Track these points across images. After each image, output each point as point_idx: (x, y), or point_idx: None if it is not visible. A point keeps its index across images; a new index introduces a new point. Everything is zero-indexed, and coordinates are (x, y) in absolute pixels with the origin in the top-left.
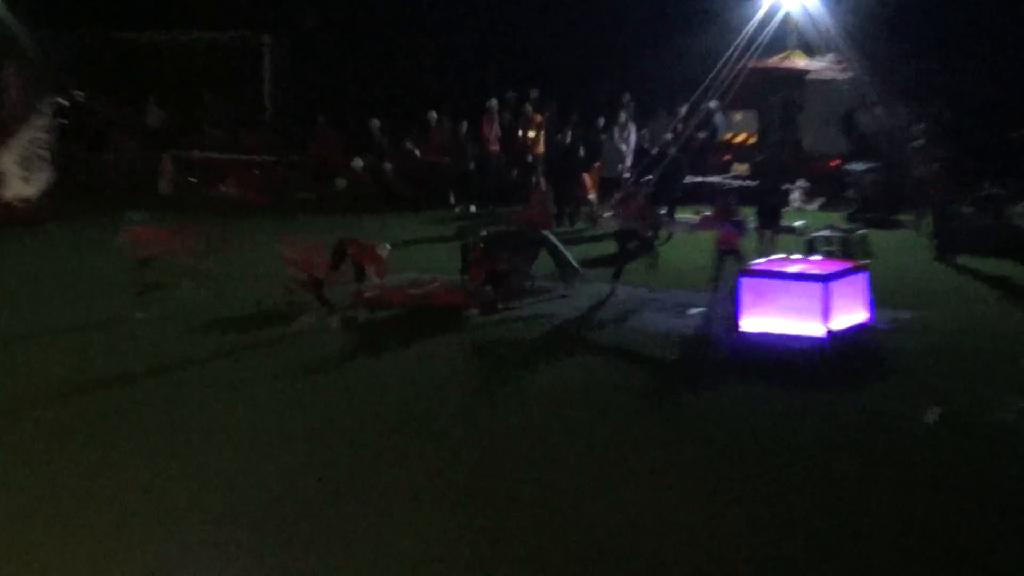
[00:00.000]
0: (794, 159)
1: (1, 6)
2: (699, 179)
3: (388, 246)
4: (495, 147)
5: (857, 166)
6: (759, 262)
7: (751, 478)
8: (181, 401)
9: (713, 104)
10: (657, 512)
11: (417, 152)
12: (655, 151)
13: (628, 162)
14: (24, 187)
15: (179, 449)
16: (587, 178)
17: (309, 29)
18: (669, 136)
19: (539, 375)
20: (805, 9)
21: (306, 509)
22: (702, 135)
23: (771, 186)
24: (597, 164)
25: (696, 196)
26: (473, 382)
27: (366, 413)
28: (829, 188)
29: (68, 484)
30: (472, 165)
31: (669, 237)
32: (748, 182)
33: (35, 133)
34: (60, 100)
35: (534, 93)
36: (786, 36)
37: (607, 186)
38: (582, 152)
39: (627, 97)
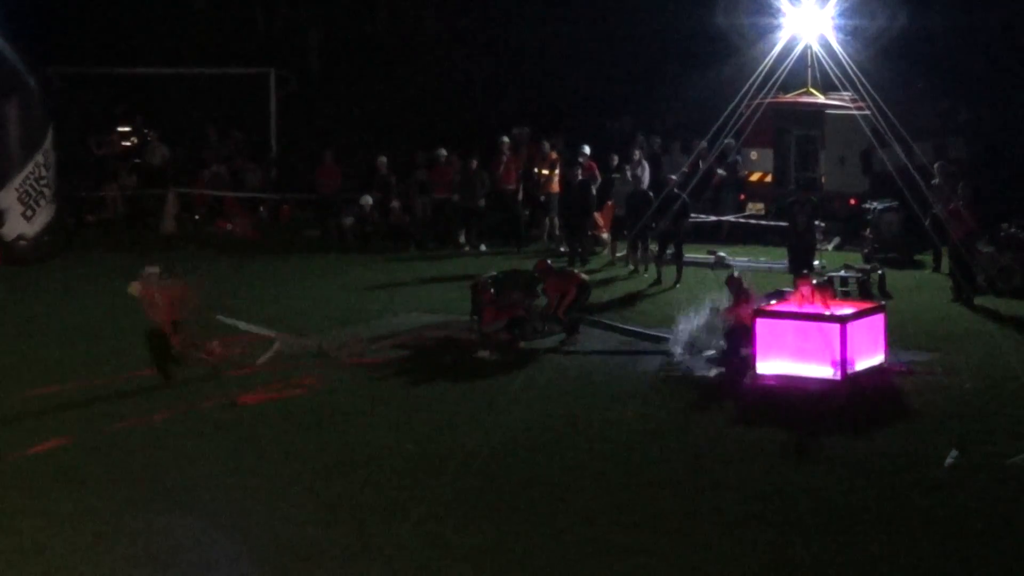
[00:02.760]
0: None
1: (2, 41)
2: (713, 218)
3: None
4: (511, 185)
5: (875, 205)
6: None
7: (767, 523)
8: (188, 442)
9: (731, 142)
10: (671, 561)
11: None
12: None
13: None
14: (25, 224)
15: (186, 490)
16: (599, 217)
17: (315, 64)
18: (673, 177)
19: (547, 417)
20: (823, 45)
21: (315, 552)
22: (721, 172)
23: (805, 227)
24: (610, 203)
25: (708, 235)
26: (486, 426)
27: (378, 456)
28: (846, 227)
29: (77, 525)
30: (483, 203)
31: (678, 280)
32: (763, 221)
33: (36, 170)
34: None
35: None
36: (804, 72)
37: (619, 225)
38: (594, 190)
39: (640, 136)
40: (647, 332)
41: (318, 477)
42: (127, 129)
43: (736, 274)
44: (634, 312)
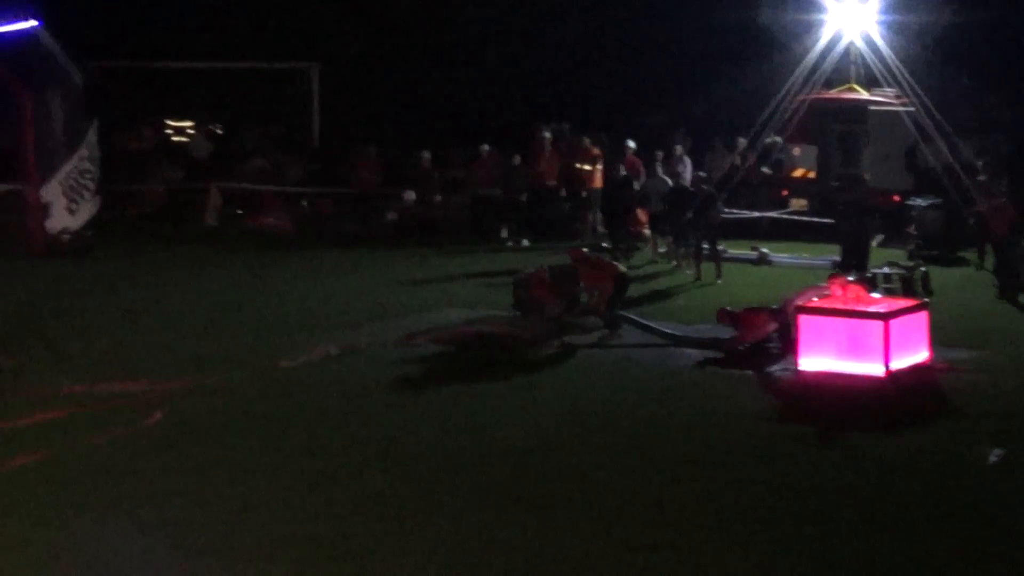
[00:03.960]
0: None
1: (47, 36)
2: (755, 214)
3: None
4: (552, 180)
5: (918, 202)
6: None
7: (805, 521)
8: (221, 435)
9: (776, 138)
10: (706, 559)
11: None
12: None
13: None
14: (69, 218)
15: (219, 483)
16: (641, 213)
17: (357, 59)
18: (702, 174)
19: (582, 412)
20: (867, 41)
21: (348, 547)
22: (765, 170)
23: (858, 226)
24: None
25: (746, 230)
26: (522, 420)
27: (414, 450)
28: (890, 224)
29: (106, 519)
30: (524, 198)
31: (718, 276)
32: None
33: (80, 164)
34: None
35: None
36: (847, 68)
37: (655, 221)
38: (637, 187)
39: (681, 131)
40: (663, 329)
41: (353, 471)
42: (174, 123)
43: (729, 308)
44: (673, 308)
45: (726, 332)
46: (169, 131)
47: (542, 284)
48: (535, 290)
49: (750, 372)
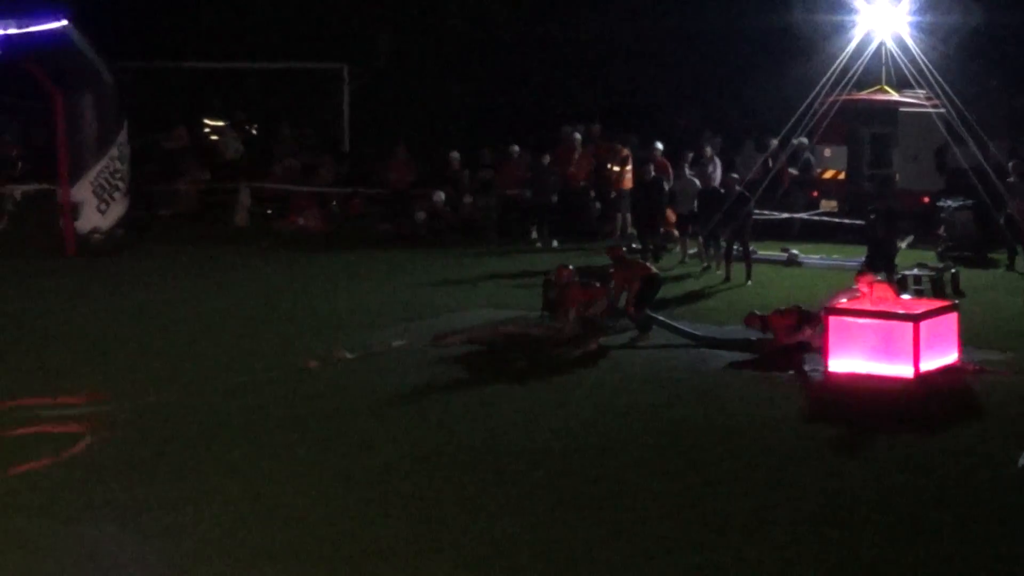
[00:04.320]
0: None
1: (78, 36)
2: (785, 215)
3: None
4: (582, 181)
5: (949, 203)
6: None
7: (834, 523)
8: (249, 435)
9: (802, 139)
10: (735, 559)
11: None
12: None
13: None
14: (99, 218)
15: (246, 483)
16: (671, 214)
17: (388, 59)
18: (735, 175)
19: (615, 413)
20: (898, 42)
21: (378, 547)
22: (793, 171)
23: (884, 237)
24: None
25: (777, 232)
26: (554, 422)
27: (447, 452)
28: (920, 225)
29: (139, 520)
30: (555, 199)
31: (748, 278)
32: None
33: (110, 163)
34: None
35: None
36: (878, 69)
37: (683, 222)
38: (667, 188)
39: (708, 132)
40: (691, 331)
41: (388, 472)
42: (210, 123)
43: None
44: (703, 309)
45: (755, 335)
46: (207, 130)
47: (571, 285)
48: (565, 291)
49: (780, 374)
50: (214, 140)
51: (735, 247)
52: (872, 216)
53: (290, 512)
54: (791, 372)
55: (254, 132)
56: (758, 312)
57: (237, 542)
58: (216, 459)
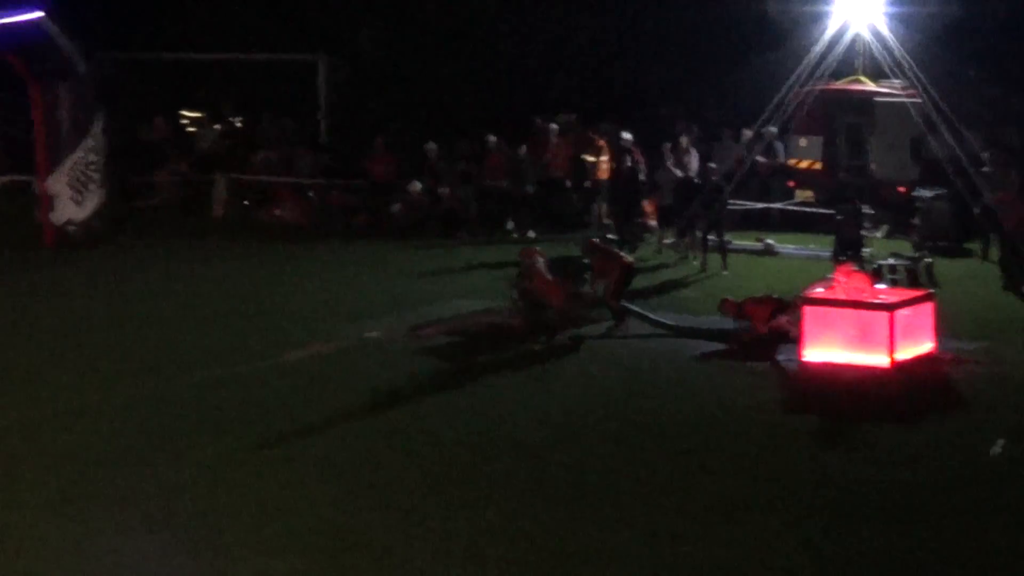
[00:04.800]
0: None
1: (53, 27)
2: (761, 205)
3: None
4: (560, 172)
5: (924, 193)
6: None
7: (815, 513)
8: (227, 427)
9: (772, 129)
10: (720, 549)
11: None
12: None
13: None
14: (75, 210)
15: (233, 476)
16: (648, 205)
17: (365, 50)
18: (712, 165)
19: (596, 403)
20: (874, 32)
21: (362, 539)
22: (761, 159)
23: (852, 237)
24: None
25: (755, 222)
26: (535, 412)
27: (426, 443)
28: (895, 215)
29: (117, 513)
30: (531, 189)
31: (724, 267)
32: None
33: (86, 155)
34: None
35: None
36: (854, 59)
37: (664, 213)
38: (643, 178)
39: (683, 123)
40: (666, 321)
41: (366, 463)
42: (189, 114)
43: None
44: (679, 299)
45: (730, 323)
46: (184, 122)
47: (545, 275)
48: (539, 281)
49: (756, 363)
50: (191, 132)
51: (711, 237)
52: (839, 217)
53: (268, 504)
54: (768, 362)
55: (239, 124)
56: (732, 299)
57: (215, 534)
58: (190, 451)
